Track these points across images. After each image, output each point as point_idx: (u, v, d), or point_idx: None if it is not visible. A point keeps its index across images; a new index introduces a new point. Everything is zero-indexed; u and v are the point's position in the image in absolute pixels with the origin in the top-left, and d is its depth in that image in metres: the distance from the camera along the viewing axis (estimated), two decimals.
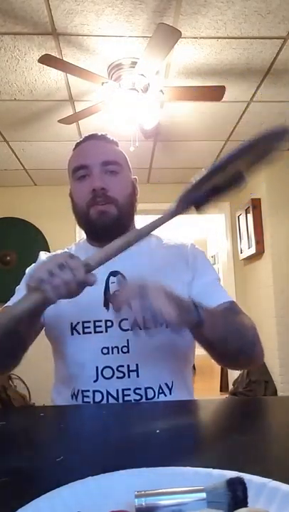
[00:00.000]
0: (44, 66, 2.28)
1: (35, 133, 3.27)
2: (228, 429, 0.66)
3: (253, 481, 0.38)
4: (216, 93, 2.50)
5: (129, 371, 0.94)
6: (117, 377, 0.94)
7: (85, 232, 1.10)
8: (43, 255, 1.10)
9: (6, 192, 4.33)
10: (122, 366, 0.94)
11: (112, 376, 0.94)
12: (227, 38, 2.23)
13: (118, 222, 1.00)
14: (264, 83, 2.67)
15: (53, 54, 2.22)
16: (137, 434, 0.64)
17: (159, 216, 0.77)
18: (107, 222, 0.99)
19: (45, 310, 0.97)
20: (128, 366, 0.94)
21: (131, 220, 1.07)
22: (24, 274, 1.07)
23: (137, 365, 0.94)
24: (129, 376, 0.94)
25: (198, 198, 0.76)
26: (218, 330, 0.86)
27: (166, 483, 0.39)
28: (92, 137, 1.09)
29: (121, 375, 0.94)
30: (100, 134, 1.09)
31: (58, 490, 0.40)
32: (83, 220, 1.04)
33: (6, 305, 1.04)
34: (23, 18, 2.04)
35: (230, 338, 0.89)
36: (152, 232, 1.07)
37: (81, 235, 1.16)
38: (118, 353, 0.95)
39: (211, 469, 0.42)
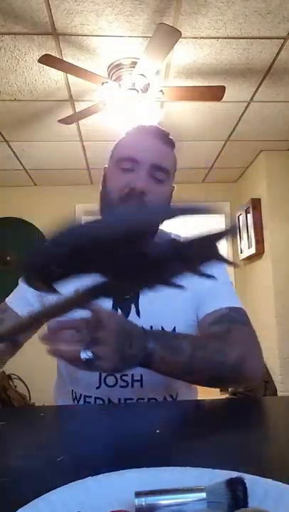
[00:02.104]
0: (44, 66, 2.28)
1: (35, 133, 3.27)
2: (228, 429, 0.66)
3: (253, 481, 0.38)
4: (216, 93, 2.50)
5: (133, 381, 0.91)
6: (120, 386, 0.91)
7: None
8: None
9: (6, 192, 4.34)
10: (126, 375, 0.91)
11: (115, 384, 0.91)
12: (227, 38, 2.23)
13: None
14: (264, 83, 2.67)
15: (53, 54, 2.22)
16: (137, 434, 0.63)
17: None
18: None
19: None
20: (132, 376, 0.91)
21: (156, 230, 0.99)
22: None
23: (141, 375, 0.91)
24: (132, 386, 0.91)
25: None
26: (173, 363, 0.77)
27: (166, 483, 0.39)
28: (152, 132, 1.00)
29: (124, 384, 0.91)
30: (161, 129, 1.01)
31: (58, 490, 0.40)
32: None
33: (5, 301, 1.05)
34: (23, 18, 2.04)
35: (193, 370, 0.80)
36: (171, 231, 1.03)
37: None
38: None
39: (211, 469, 0.42)
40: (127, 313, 0.94)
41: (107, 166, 1.02)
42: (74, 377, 0.96)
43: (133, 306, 0.95)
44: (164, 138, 1.00)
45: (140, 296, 0.95)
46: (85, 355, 0.65)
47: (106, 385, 0.91)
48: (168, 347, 0.76)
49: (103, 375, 0.92)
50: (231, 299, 0.96)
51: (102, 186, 1.00)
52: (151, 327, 0.92)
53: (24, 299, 1.02)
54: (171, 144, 1.01)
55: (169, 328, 0.93)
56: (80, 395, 0.94)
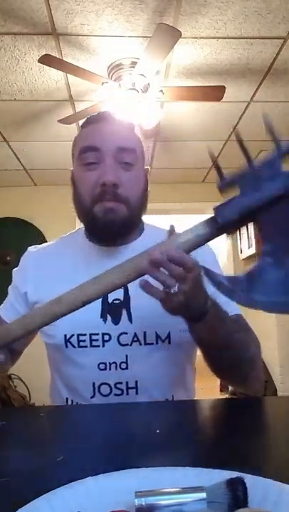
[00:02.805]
0: (44, 66, 2.28)
1: (35, 133, 3.27)
2: (228, 429, 0.66)
3: (253, 481, 0.38)
4: (216, 93, 2.50)
5: (127, 388, 0.88)
6: (115, 395, 0.88)
7: (85, 228, 0.98)
8: (32, 249, 1.06)
9: (6, 192, 4.34)
10: (121, 383, 0.88)
11: (109, 393, 0.88)
12: (227, 38, 2.23)
13: (126, 224, 0.89)
14: (264, 83, 2.67)
15: (53, 54, 2.22)
16: (137, 434, 0.64)
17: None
18: (115, 222, 0.87)
19: None
20: (127, 383, 0.88)
21: (140, 221, 0.98)
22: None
23: (136, 382, 0.89)
24: (127, 393, 0.88)
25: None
26: (218, 331, 0.77)
27: (166, 483, 0.39)
28: (107, 118, 0.94)
29: (119, 392, 0.88)
30: (114, 115, 0.95)
31: (58, 490, 0.40)
32: (85, 215, 0.92)
33: None
34: (23, 18, 2.04)
35: (228, 347, 0.80)
36: (164, 227, 0.97)
37: None
38: (116, 369, 0.88)
39: (211, 469, 0.42)
40: (118, 318, 0.89)
41: (72, 168, 0.96)
42: (69, 385, 0.93)
43: (124, 312, 0.90)
44: (122, 121, 0.94)
45: (131, 302, 0.89)
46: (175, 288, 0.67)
47: (100, 394, 0.89)
48: (219, 313, 0.77)
49: (96, 384, 0.89)
50: (235, 305, 0.92)
51: (72, 191, 0.95)
52: (144, 333, 0.89)
53: (14, 309, 0.99)
54: (130, 126, 0.95)
55: (163, 335, 0.90)
56: (77, 403, 0.92)
